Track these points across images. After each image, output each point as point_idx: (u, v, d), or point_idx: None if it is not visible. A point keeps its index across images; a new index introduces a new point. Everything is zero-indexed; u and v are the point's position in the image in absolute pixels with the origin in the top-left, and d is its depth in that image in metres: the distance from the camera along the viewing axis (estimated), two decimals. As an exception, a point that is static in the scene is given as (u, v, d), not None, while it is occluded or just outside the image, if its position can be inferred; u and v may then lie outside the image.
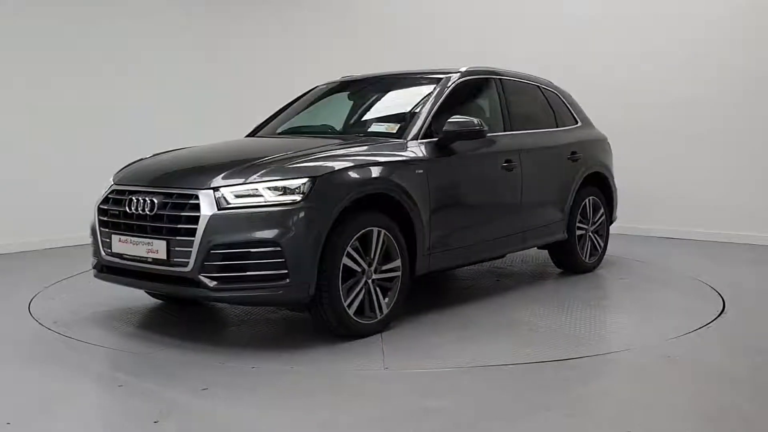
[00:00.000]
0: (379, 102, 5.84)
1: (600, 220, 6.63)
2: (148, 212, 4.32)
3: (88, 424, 3.41)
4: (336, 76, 6.45)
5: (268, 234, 4.08)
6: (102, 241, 4.63)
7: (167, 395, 3.67)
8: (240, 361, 4.14)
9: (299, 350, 4.34)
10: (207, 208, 4.13)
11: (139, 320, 5.03)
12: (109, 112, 8.36)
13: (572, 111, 6.67)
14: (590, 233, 6.51)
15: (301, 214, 4.14)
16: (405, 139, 4.94)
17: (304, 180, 4.22)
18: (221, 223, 4.10)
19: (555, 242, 6.24)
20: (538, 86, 6.44)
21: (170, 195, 4.33)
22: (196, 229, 4.11)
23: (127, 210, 4.45)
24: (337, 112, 5.89)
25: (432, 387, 3.75)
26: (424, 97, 5.31)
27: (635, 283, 6.08)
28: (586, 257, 6.48)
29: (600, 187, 6.66)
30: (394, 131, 5.06)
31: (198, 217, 4.12)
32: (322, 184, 4.25)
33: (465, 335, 4.64)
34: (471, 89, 5.78)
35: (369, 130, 5.28)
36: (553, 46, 8.89)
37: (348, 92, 6.15)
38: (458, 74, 5.54)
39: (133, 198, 4.45)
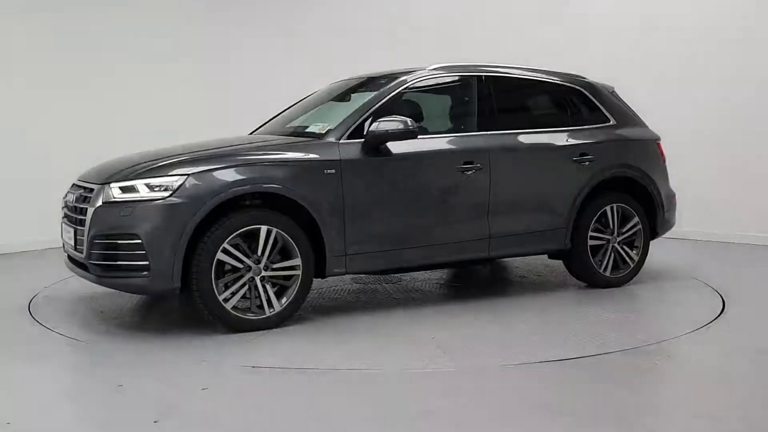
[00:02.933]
0: (351, 102, 5.68)
1: (632, 231, 5.86)
2: (74, 204, 4.82)
3: (88, 424, 3.41)
4: (335, 77, 6.43)
5: (131, 227, 4.43)
6: (63, 232, 5.09)
7: (167, 395, 3.67)
8: (240, 361, 4.14)
9: (299, 350, 4.35)
10: (96, 201, 4.58)
11: (139, 320, 5.03)
12: (112, 113, 8.34)
13: (603, 108, 6.00)
14: (616, 245, 5.80)
15: (165, 210, 4.43)
16: (327, 139, 4.94)
17: (176, 178, 4.50)
18: (102, 215, 4.53)
19: (558, 252, 5.78)
20: (546, 82, 5.91)
21: (83, 189, 4.82)
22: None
23: (66, 202, 5.03)
24: (325, 111, 5.77)
25: (432, 387, 3.75)
26: (373, 97, 5.21)
27: (635, 283, 6.07)
28: (605, 270, 5.78)
29: (634, 193, 5.94)
30: (324, 132, 5.05)
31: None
32: (193, 181, 4.48)
33: (460, 335, 4.65)
34: (436, 88, 5.68)
35: (306, 130, 5.32)
36: (554, 45, 8.88)
37: (341, 92, 6.09)
38: (412, 74, 5.38)
39: (70, 191, 5.01)
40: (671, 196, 6.21)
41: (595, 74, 6.31)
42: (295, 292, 4.73)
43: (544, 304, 5.40)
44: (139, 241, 4.40)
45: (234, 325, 4.60)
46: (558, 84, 5.95)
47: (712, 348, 4.42)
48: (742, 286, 5.95)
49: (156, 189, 4.48)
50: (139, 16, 8.69)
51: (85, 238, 4.58)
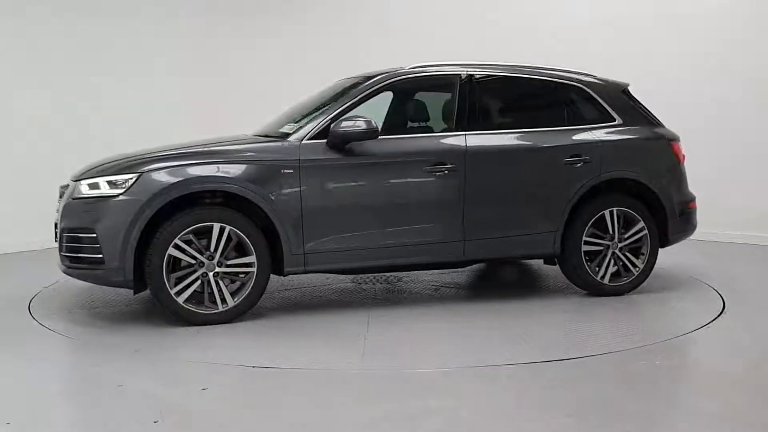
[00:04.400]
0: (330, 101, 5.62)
1: (636, 237, 5.53)
2: (59, 200, 5.08)
3: (88, 424, 3.41)
4: (338, 76, 6.41)
5: (88, 222, 4.71)
6: None
7: (167, 395, 3.68)
8: (240, 361, 4.14)
9: (299, 351, 4.35)
10: (68, 197, 4.90)
11: (139, 321, 5.03)
12: (112, 113, 8.34)
13: (608, 107, 5.68)
14: (616, 251, 5.50)
15: (117, 206, 4.66)
16: (290, 139, 5.00)
17: (131, 175, 4.71)
18: (69, 210, 4.85)
19: (549, 257, 5.62)
20: (540, 80, 5.68)
21: (67, 185, 5.06)
22: None
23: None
24: (311, 111, 5.73)
25: (432, 387, 3.75)
26: (343, 98, 5.24)
27: (635, 283, 6.07)
28: (603, 278, 5.49)
29: (642, 197, 5.61)
30: (291, 132, 5.10)
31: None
32: (145, 179, 4.68)
33: (461, 335, 4.64)
34: (416, 88, 5.67)
35: (279, 130, 5.33)
36: (554, 46, 8.87)
37: (336, 92, 6.05)
38: (387, 75, 5.35)
39: (61, 188, 5.21)
40: (688, 200, 5.81)
41: (606, 72, 6.08)
42: (249, 288, 4.82)
43: (546, 304, 5.40)
44: (95, 235, 4.66)
45: (186, 318, 4.75)
46: (554, 82, 5.69)
47: (712, 348, 4.42)
48: (742, 286, 5.95)
49: (113, 186, 4.71)
50: (140, 16, 8.68)
51: (59, 232, 4.90)
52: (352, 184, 5.07)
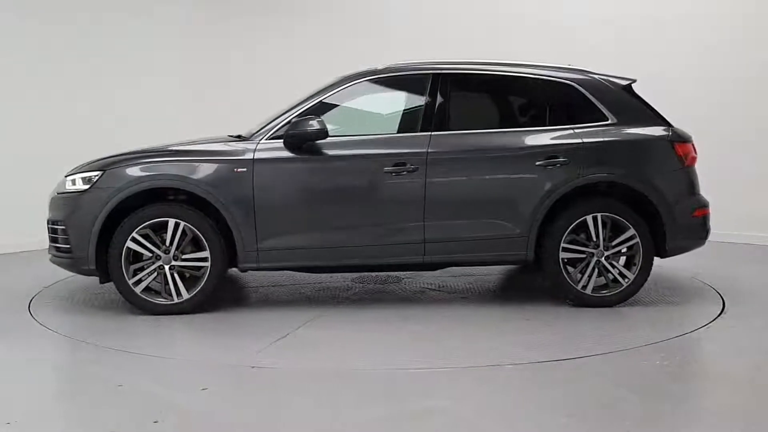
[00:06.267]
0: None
1: (626, 245, 5.20)
2: None
3: (88, 424, 3.41)
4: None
5: (60, 215, 5.14)
6: None
7: (167, 395, 3.67)
8: (240, 361, 4.14)
9: (299, 351, 4.35)
10: (55, 191, 5.31)
11: (139, 320, 5.03)
12: (112, 113, 8.34)
13: (601, 105, 5.30)
14: (602, 259, 5.17)
15: (82, 201, 5.03)
16: (252, 139, 5.14)
17: (97, 172, 5.06)
18: (53, 204, 5.28)
19: (521, 263, 5.36)
20: (521, 78, 5.44)
21: None
22: None
23: None
24: None
25: (432, 387, 3.75)
26: (305, 98, 5.30)
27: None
28: (585, 288, 5.18)
29: (633, 203, 5.24)
30: (256, 131, 5.24)
31: None
32: (107, 176, 5.02)
33: (461, 335, 4.65)
34: (387, 88, 5.63)
35: (253, 130, 5.39)
36: (554, 46, 8.87)
37: None
38: (354, 75, 5.39)
39: None
40: (695, 206, 5.36)
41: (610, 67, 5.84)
42: (203, 282, 5.03)
43: (545, 305, 5.39)
44: (64, 227, 5.08)
45: (142, 308, 5.05)
46: (539, 80, 5.40)
47: (712, 348, 4.42)
48: (742, 286, 5.95)
49: (85, 182, 5.08)
50: (141, 16, 8.68)
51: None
52: (307, 183, 5.14)
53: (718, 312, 5.10)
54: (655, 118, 5.40)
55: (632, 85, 5.51)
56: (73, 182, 5.15)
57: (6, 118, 7.72)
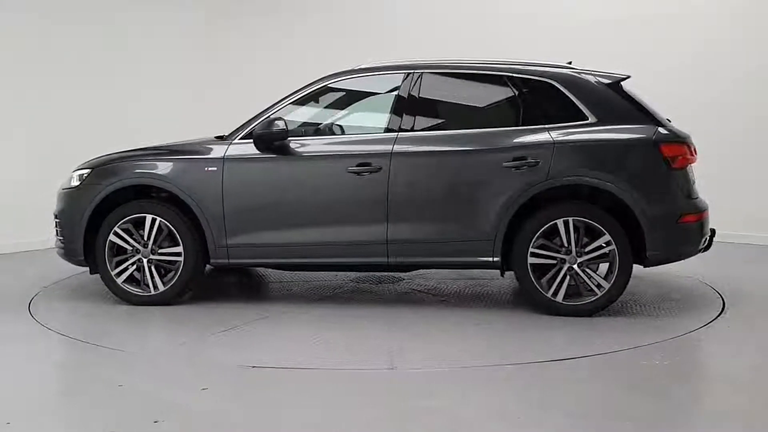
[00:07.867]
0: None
1: (603, 252, 4.89)
2: None
3: (88, 424, 3.41)
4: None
5: (60, 208, 5.50)
6: None
7: (167, 395, 3.67)
8: (240, 360, 4.14)
9: (299, 350, 4.35)
10: (60, 187, 5.60)
11: (139, 320, 5.03)
12: (111, 113, 8.36)
13: (580, 103, 5.00)
14: (575, 266, 4.88)
15: (72, 197, 5.42)
16: (229, 139, 5.30)
17: (87, 170, 5.43)
18: (58, 199, 5.58)
19: (488, 267, 5.11)
20: (495, 76, 5.24)
21: None
22: None
23: None
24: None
25: (432, 387, 3.75)
26: (279, 100, 5.41)
27: (634, 284, 6.06)
28: (556, 295, 4.91)
29: (614, 208, 4.93)
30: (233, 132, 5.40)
31: None
32: (94, 174, 5.37)
33: (461, 335, 4.65)
34: (359, 88, 5.66)
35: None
36: (554, 46, 8.87)
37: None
38: (327, 76, 5.45)
39: None
40: (681, 212, 4.96)
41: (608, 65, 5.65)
42: (178, 275, 5.27)
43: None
44: (59, 220, 5.47)
45: (122, 297, 5.34)
46: (512, 78, 5.18)
47: (712, 348, 4.42)
48: (742, 286, 5.95)
49: (79, 179, 5.43)
50: (141, 16, 8.69)
51: None
52: (273, 182, 5.24)
53: (718, 312, 5.10)
54: (642, 117, 5.04)
55: (623, 82, 5.18)
56: (72, 179, 5.49)
57: (6, 119, 7.71)
